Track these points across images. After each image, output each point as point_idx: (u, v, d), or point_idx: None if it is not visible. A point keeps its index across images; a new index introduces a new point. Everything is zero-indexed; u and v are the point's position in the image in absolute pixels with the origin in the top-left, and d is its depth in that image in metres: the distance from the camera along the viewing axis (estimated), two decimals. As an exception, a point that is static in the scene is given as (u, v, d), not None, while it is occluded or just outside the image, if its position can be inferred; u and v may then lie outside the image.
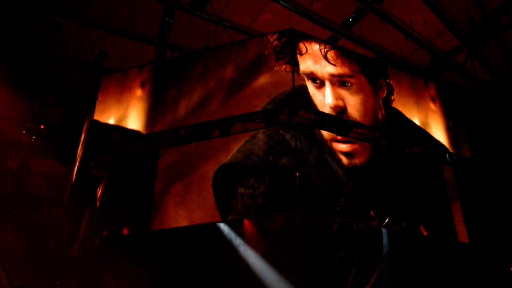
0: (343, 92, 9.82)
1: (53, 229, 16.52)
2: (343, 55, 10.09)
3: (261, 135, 9.49)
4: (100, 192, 10.96)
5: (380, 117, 10.19)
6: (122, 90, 11.10)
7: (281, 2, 12.26)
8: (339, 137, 9.71)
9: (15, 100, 13.23)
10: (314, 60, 9.88)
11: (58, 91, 14.10)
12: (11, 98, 13.01)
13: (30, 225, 16.84)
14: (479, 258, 12.36)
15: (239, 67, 10.20)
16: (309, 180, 8.88)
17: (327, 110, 9.60)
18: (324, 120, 9.69)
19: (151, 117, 10.47)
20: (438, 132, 10.93)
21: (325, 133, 9.69)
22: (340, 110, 9.67)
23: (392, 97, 10.60)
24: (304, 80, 9.80)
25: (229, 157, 9.48)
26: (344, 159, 9.58)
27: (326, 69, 9.81)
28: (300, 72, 9.72)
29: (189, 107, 10.13)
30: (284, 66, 9.70)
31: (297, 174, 8.56)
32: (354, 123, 9.72)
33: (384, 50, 13.64)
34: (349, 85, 9.87)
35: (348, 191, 9.17)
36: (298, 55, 9.86)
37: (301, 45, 9.92)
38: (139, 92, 10.78)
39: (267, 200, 8.70)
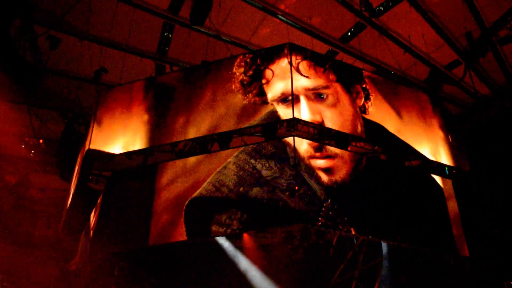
0: (320, 106, 9.36)
1: (52, 244, 16.47)
2: (316, 64, 9.55)
3: (231, 165, 9.26)
4: (99, 207, 10.92)
5: (359, 128, 9.71)
6: (127, 113, 10.73)
7: (279, 16, 12.32)
8: (317, 154, 9.37)
9: (14, 115, 13.22)
10: (283, 78, 9.34)
11: (57, 106, 14.10)
12: (10, 113, 13.00)
13: (28, 239, 16.79)
14: (480, 272, 12.31)
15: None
16: (282, 204, 8.58)
17: (306, 147, 9.32)
18: (322, 133, 9.54)
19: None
20: (437, 146, 10.89)
21: (302, 150, 9.35)
22: (318, 125, 9.23)
23: (369, 103, 10.12)
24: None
25: (199, 189, 9.19)
26: (323, 176, 9.18)
27: (300, 83, 9.29)
28: (269, 101, 9.29)
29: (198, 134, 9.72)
30: (253, 99, 9.31)
31: (296, 188, 8.47)
32: (353, 137, 9.61)
33: (382, 64, 13.69)
34: (324, 96, 9.43)
35: (327, 209, 8.79)
36: (264, 85, 9.40)
37: (268, 72, 9.43)
38: (145, 117, 10.46)
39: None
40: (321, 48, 13.12)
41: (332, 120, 9.30)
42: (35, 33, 11.26)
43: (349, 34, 13.16)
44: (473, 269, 12.29)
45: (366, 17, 12.23)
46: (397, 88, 11.17)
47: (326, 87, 9.51)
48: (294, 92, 9.16)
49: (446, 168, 10.99)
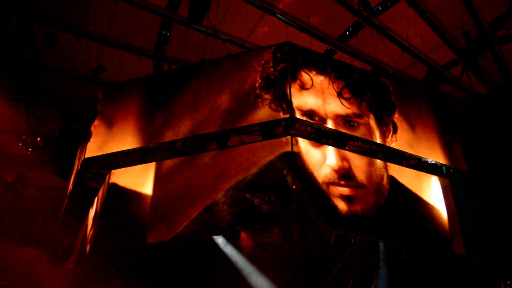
0: (347, 153, 8.51)
1: (49, 242, 16.44)
2: (355, 94, 8.48)
3: (222, 205, 7.95)
4: (96, 205, 10.91)
5: (384, 181, 8.88)
6: (126, 111, 10.56)
7: (278, 15, 12.32)
8: (342, 182, 8.16)
9: (12, 113, 13.20)
10: (315, 94, 8.26)
11: (54, 104, 14.08)
12: (8, 110, 12.99)
13: (26, 238, 16.77)
14: (477, 271, 12.33)
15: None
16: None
17: (327, 171, 8.17)
18: (321, 133, 9.31)
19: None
20: (435, 146, 10.88)
21: (320, 175, 8.17)
22: (344, 172, 8.25)
23: (395, 137, 9.19)
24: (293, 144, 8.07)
25: (182, 227, 8.17)
26: (342, 206, 7.97)
27: (331, 106, 8.26)
28: (294, 107, 8.04)
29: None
30: (270, 103, 8.07)
31: (294, 187, 8.35)
32: (351, 136, 9.45)
33: (380, 64, 13.69)
34: (355, 125, 8.55)
35: None
36: (299, 88, 8.18)
37: (304, 76, 8.12)
38: (142, 114, 10.22)
39: None
40: (319, 47, 13.12)
41: (360, 168, 8.42)
42: (33, 31, 11.24)
43: (347, 33, 13.16)
44: (470, 268, 12.32)
45: (364, 17, 12.23)
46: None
47: (359, 116, 8.62)
48: (322, 115, 8.46)
49: (444, 168, 11.00)
